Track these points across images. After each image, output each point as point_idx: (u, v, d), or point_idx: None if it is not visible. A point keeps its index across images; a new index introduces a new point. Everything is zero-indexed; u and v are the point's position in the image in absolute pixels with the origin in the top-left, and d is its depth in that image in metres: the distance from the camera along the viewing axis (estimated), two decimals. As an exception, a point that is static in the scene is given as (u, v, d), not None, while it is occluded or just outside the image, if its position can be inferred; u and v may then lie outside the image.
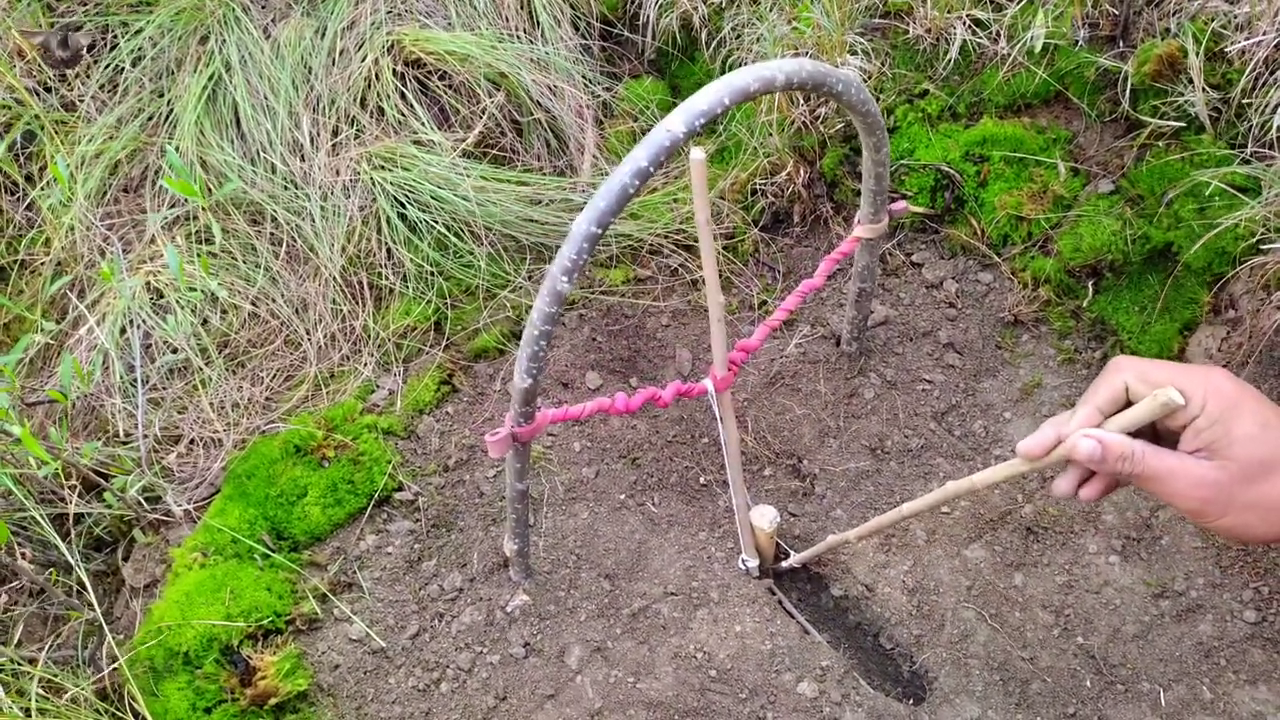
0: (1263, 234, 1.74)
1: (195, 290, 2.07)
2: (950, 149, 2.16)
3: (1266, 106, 1.78)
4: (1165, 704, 1.60)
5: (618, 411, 1.48)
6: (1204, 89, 1.88)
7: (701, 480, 1.94)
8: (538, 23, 2.50)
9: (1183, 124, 1.94)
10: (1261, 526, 0.81)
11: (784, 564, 1.79)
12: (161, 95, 2.40)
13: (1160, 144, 1.97)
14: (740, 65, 2.30)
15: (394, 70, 2.40)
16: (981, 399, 2.00)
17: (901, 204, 1.74)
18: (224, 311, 2.20)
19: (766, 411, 2.01)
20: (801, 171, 2.19)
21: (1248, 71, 1.82)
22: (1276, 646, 1.63)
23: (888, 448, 1.95)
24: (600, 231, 1.18)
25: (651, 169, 1.16)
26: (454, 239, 2.23)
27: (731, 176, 2.22)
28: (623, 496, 1.91)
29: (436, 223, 2.23)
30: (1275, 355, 1.72)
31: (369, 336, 2.20)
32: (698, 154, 1.33)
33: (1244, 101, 1.86)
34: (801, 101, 2.17)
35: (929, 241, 2.22)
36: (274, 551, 1.82)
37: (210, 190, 2.24)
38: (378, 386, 2.13)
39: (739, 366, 1.59)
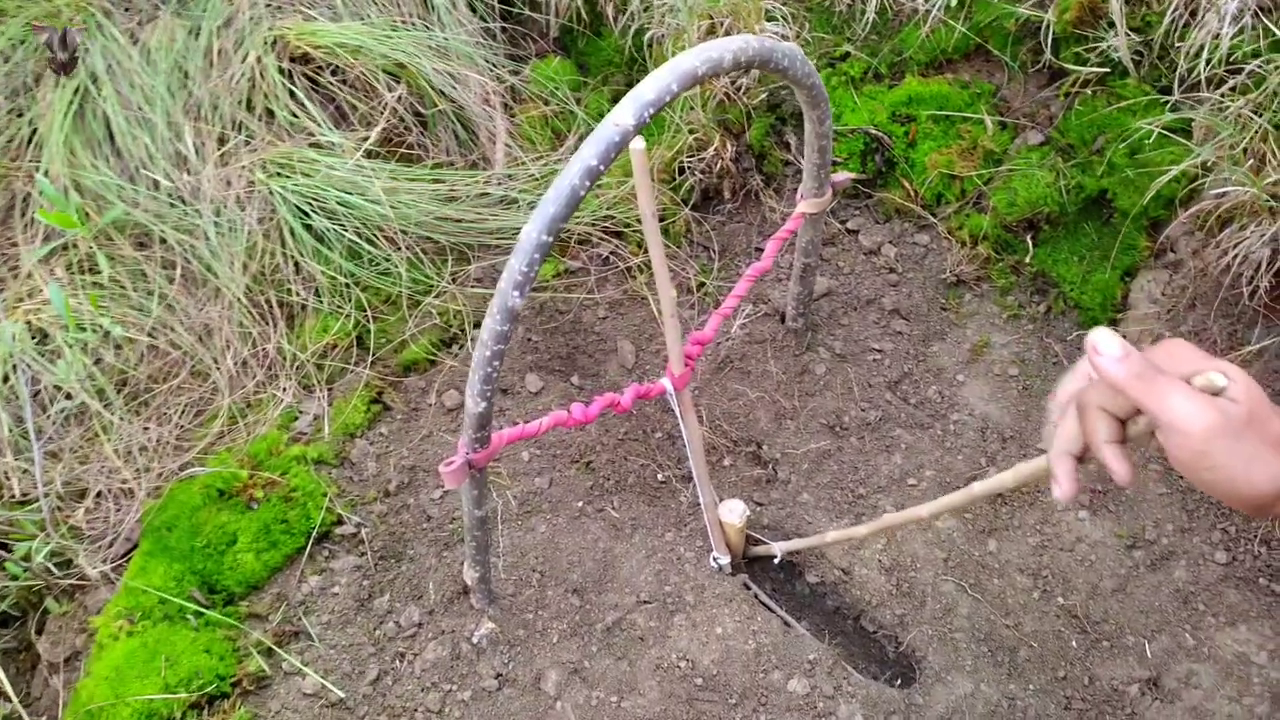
0: (1199, 175, 1.74)
1: (85, 329, 1.87)
2: (876, 111, 2.10)
3: (1190, 49, 1.77)
4: (1151, 655, 1.59)
5: (576, 423, 1.38)
6: (1126, 33, 1.86)
7: (660, 477, 1.85)
8: (432, 7, 2.35)
9: (1107, 69, 1.93)
10: (1262, 472, 0.73)
11: (775, 555, 1.69)
12: (21, 115, 2.16)
13: (1086, 91, 1.95)
14: (653, 39, 2.21)
15: (280, 68, 2.21)
16: (933, 364, 1.97)
17: (844, 176, 1.67)
18: (118, 347, 2.00)
19: (719, 399, 1.93)
20: (729, 146, 2.10)
21: (1169, 13, 1.81)
22: (1249, 585, 1.64)
23: (846, 423, 1.90)
24: (551, 240, 1.08)
25: (602, 168, 1.06)
26: (367, 246, 2.07)
27: (657, 156, 2.12)
28: (580, 504, 1.81)
29: (346, 230, 2.07)
30: (1220, 296, 1.72)
31: (285, 359, 2.03)
32: (638, 144, 1.24)
33: (1165, 43, 1.85)
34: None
35: (862, 207, 2.17)
36: (208, 608, 1.66)
37: (90, 216, 2.03)
38: (300, 413, 1.97)
39: (695, 361, 1.51)
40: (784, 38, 2.09)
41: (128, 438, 1.89)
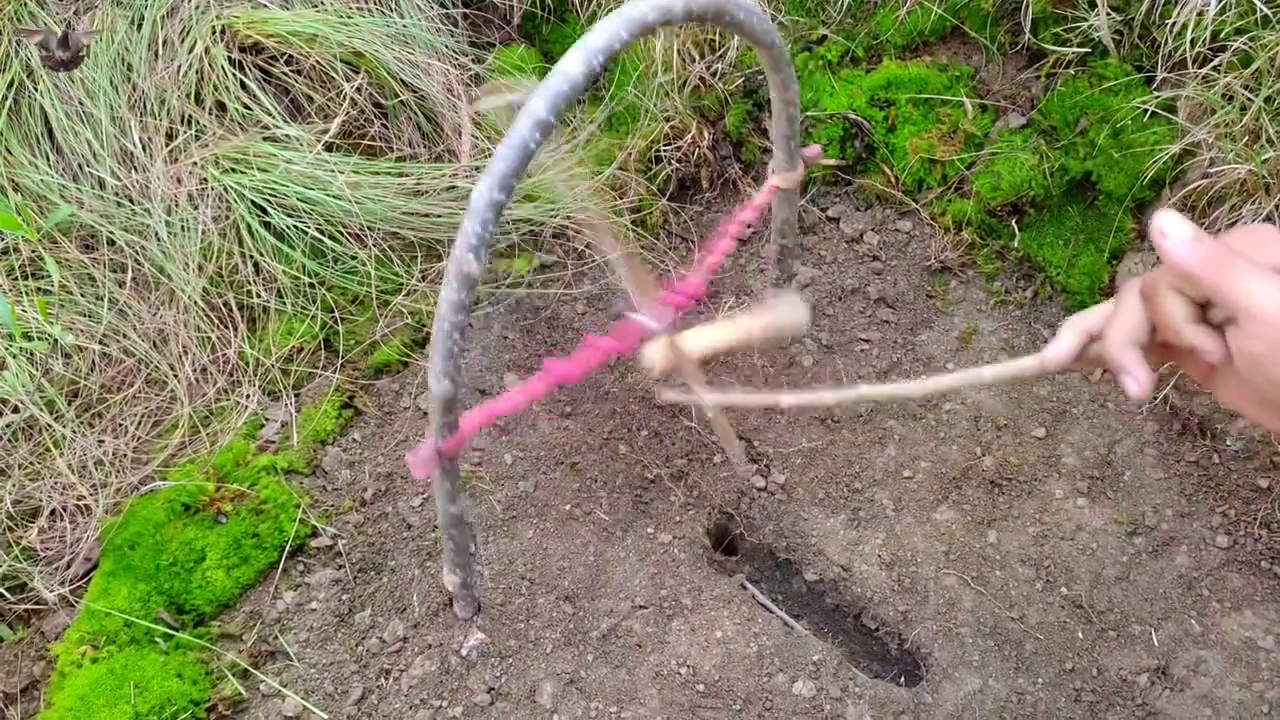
0: (1184, 156, 1.72)
1: (34, 339, 1.75)
2: (855, 96, 2.06)
3: (1174, 27, 1.75)
4: (1158, 643, 1.57)
5: (557, 380, 1.29)
6: (1107, 12, 1.84)
7: (649, 475, 1.79)
8: (390, -7, 2.25)
9: (1087, 50, 1.90)
10: None
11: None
12: (-51, 110, 2.02)
13: (1067, 72, 1.93)
14: (624, 23, 2.14)
15: (229, 59, 2.10)
16: (921, 352, 1.93)
17: (815, 149, 1.61)
18: (67, 356, 1.88)
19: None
20: (705, 133, 2.04)
21: (1151, -9, 1.79)
22: (1252, 569, 1.63)
23: (837, 416, 1.85)
24: (505, 198, 1.02)
25: (553, 119, 1.01)
26: (331, 244, 1.97)
27: (631, 146, 2.05)
28: (568, 507, 1.74)
29: (308, 228, 1.96)
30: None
31: (247, 364, 1.92)
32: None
33: (1147, 22, 1.83)
34: (698, 58, 2.03)
35: (843, 194, 2.12)
36: (177, 629, 1.55)
37: (27, 216, 1.90)
38: (266, 420, 1.87)
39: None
40: (760, 21, 2.03)
41: (81, 452, 1.77)
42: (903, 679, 1.61)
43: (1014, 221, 1.97)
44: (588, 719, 1.50)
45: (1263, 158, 1.52)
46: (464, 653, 1.56)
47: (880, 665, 1.64)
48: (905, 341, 1.94)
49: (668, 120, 2.05)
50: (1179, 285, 0.66)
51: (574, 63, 0.99)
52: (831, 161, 1.67)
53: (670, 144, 2.05)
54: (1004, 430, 1.82)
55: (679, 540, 1.70)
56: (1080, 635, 1.59)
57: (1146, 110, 1.76)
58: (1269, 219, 1.55)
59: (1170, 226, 0.63)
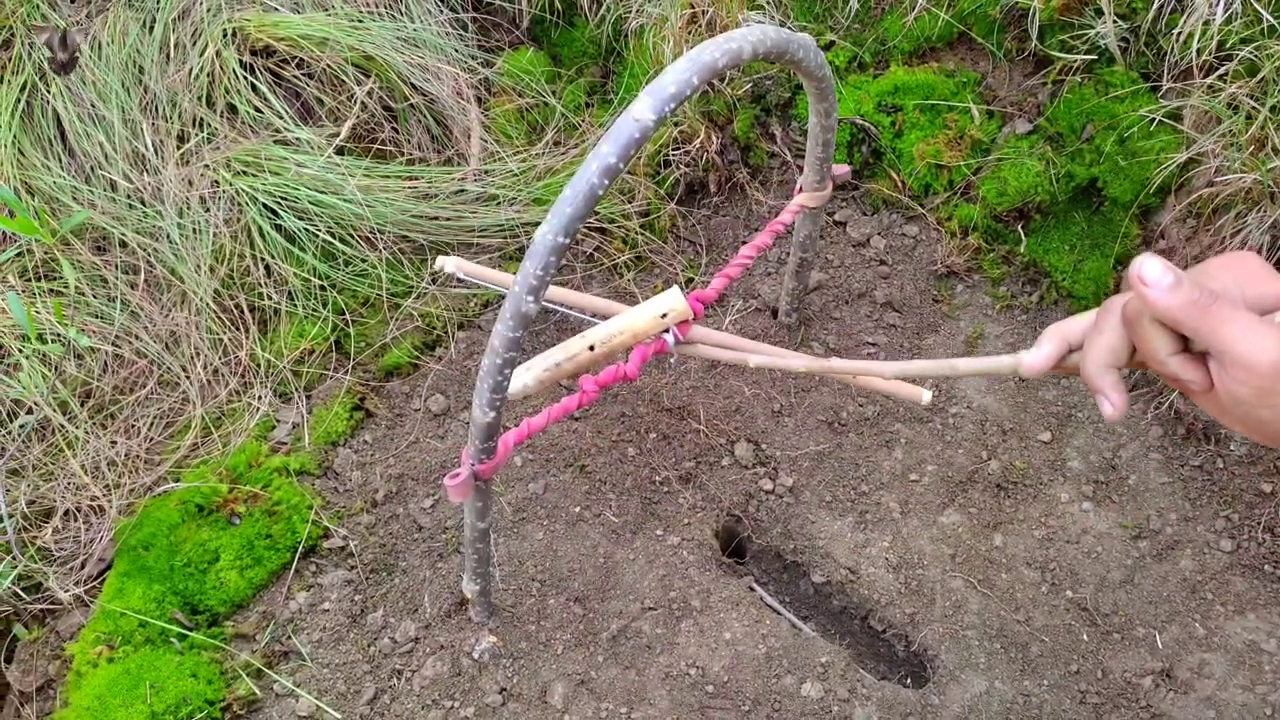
0: (1191, 163, 1.73)
1: (48, 341, 1.76)
2: (863, 101, 2.07)
3: (1179, 35, 1.76)
4: (1162, 646, 1.59)
5: (587, 401, 1.33)
6: (1114, 20, 1.85)
7: (658, 479, 1.80)
8: (400, -3, 2.26)
9: (1094, 57, 1.92)
10: None
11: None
12: (-38, 112, 2.04)
13: (1074, 79, 1.94)
14: (633, 28, 2.15)
15: (240, 62, 2.12)
16: (927, 355, 1.94)
17: (844, 169, 1.63)
18: (80, 357, 1.89)
19: (715, 396, 1.89)
20: (714, 138, 2.06)
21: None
22: (1255, 573, 1.64)
23: (844, 419, 1.87)
24: (567, 241, 1.02)
25: (622, 165, 1.00)
26: (342, 246, 1.99)
27: (640, 150, 2.06)
28: (578, 509, 1.75)
29: (319, 231, 1.98)
30: (1218, 282, 1.72)
31: (259, 366, 1.94)
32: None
33: (1153, 30, 1.85)
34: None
35: (850, 199, 2.14)
36: (191, 629, 1.57)
37: (41, 219, 1.92)
38: (278, 422, 1.88)
39: (699, 317, 1.43)
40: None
41: (95, 453, 1.78)
42: (909, 681, 1.63)
43: (1020, 227, 1.98)
44: (598, 719, 1.51)
45: (1268, 166, 1.54)
46: (475, 654, 1.57)
47: (887, 667, 1.66)
48: (911, 345, 1.96)
49: (676, 125, 2.06)
50: (1162, 322, 0.67)
51: (645, 110, 0.98)
52: (849, 169, 1.68)
53: (679, 148, 2.06)
54: (1009, 434, 1.83)
55: (687, 542, 1.72)
56: (1085, 638, 1.60)
57: (1152, 119, 1.78)
58: (1274, 227, 1.57)
59: (1150, 273, 0.64)
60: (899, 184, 2.08)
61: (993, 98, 2.07)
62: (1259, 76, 1.61)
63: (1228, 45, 1.69)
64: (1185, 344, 0.67)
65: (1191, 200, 1.73)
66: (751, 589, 1.69)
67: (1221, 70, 1.68)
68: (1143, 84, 1.87)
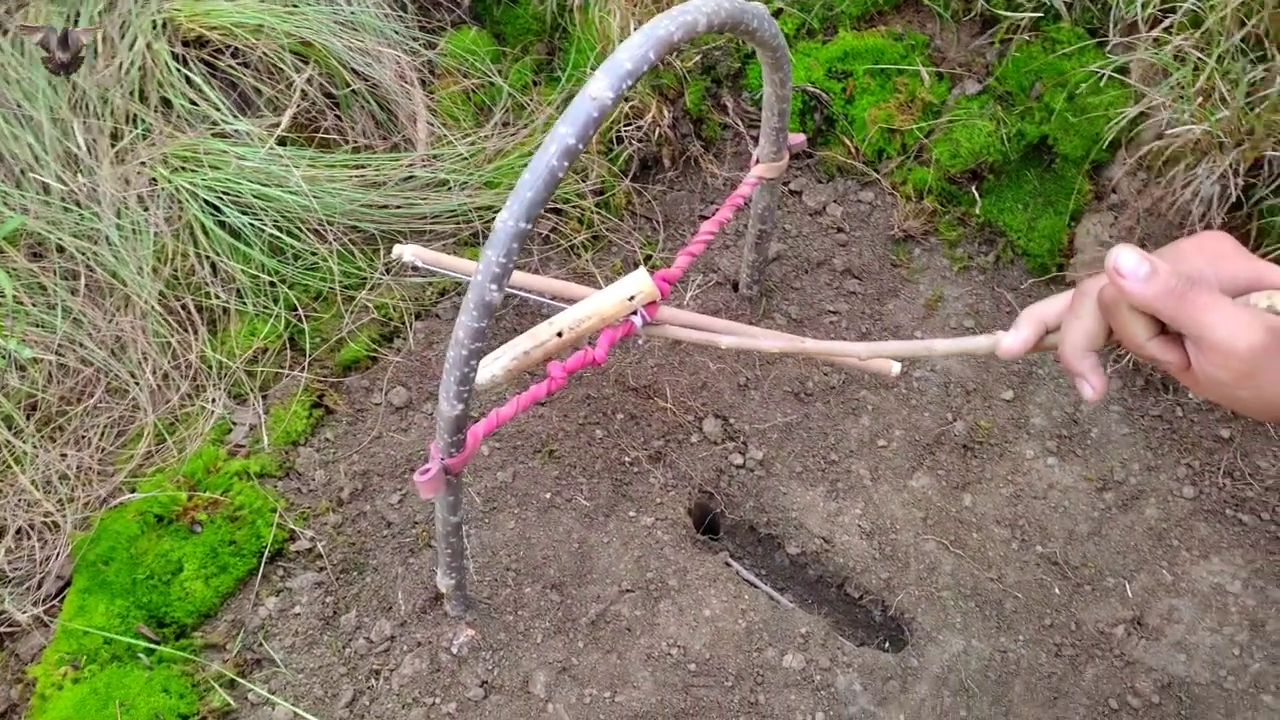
0: (1140, 117, 1.75)
1: (-13, 353, 1.69)
2: (813, 68, 2.06)
3: (1123, -13, 1.77)
4: (1132, 595, 1.61)
5: (556, 388, 1.31)
6: (1058, -24, 1.85)
7: (627, 459, 1.79)
8: (335, -21, 2.19)
9: (1039, 14, 1.92)
10: None
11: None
12: (-122, 118, 1.94)
13: (1021, 37, 1.95)
14: (577, 2, 2.11)
15: (173, 54, 2.04)
16: (889, 321, 1.95)
17: (800, 138, 1.62)
18: (21, 369, 1.82)
19: (680, 373, 1.88)
20: (665, 112, 2.03)
21: (1100, -46, 1.81)
22: (1217, 517, 1.68)
23: (810, 389, 1.87)
24: (529, 227, 0.99)
25: (581, 146, 0.97)
26: (290, 240, 1.93)
27: (590, 127, 2.03)
28: (548, 495, 1.73)
29: (265, 225, 1.92)
30: (1169, 235, 1.74)
31: (210, 367, 1.88)
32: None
33: (1097, -15, 1.85)
34: (653, 36, 2.00)
35: (804, 167, 2.13)
36: (158, 644, 1.53)
37: (-27, 226, 1.84)
38: (234, 424, 1.83)
39: (665, 297, 1.41)
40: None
41: (45, 467, 1.72)
42: (888, 645, 1.64)
43: (974, 188, 1.99)
44: (582, 705, 1.51)
45: (1216, 117, 1.55)
46: (454, 649, 1.55)
47: (866, 633, 1.67)
48: (873, 311, 1.96)
49: (627, 100, 2.03)
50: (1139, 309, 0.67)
51: (603, 88, 0.95)
52: (804, 137, 1.66)
53: (630, 124, 2.03)
54: (973, 394, 1.85)
55: (661, 522, 1.71)
56: (1057, 591, 1.63)
57: (1100, 74, 1.79)
58: (1223, 177, 1.58)
59: (1126, 264, 0.64)
60: (852, 150, 2.07)
61: (941, 59, 2.06)
62: (1203, 28, 1.62)
63: (1171, -2, 1.70)
64: (1162, 327, 0.68)
65: (1142, 154, 1.74)
66: (728, 564, 1.69)
67: (1166, 23, 1.69)
68: (1089, 40, 1.88)
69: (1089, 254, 1.89)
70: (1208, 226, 1.63)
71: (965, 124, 1.95)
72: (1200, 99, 1.59)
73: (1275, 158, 1.55)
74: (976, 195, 1.98)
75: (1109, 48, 1.83)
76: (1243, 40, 1.58)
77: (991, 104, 1.96)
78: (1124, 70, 1.79)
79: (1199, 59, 1.59)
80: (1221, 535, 1.66)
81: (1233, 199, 1.59)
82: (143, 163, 1.96)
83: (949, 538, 1.68)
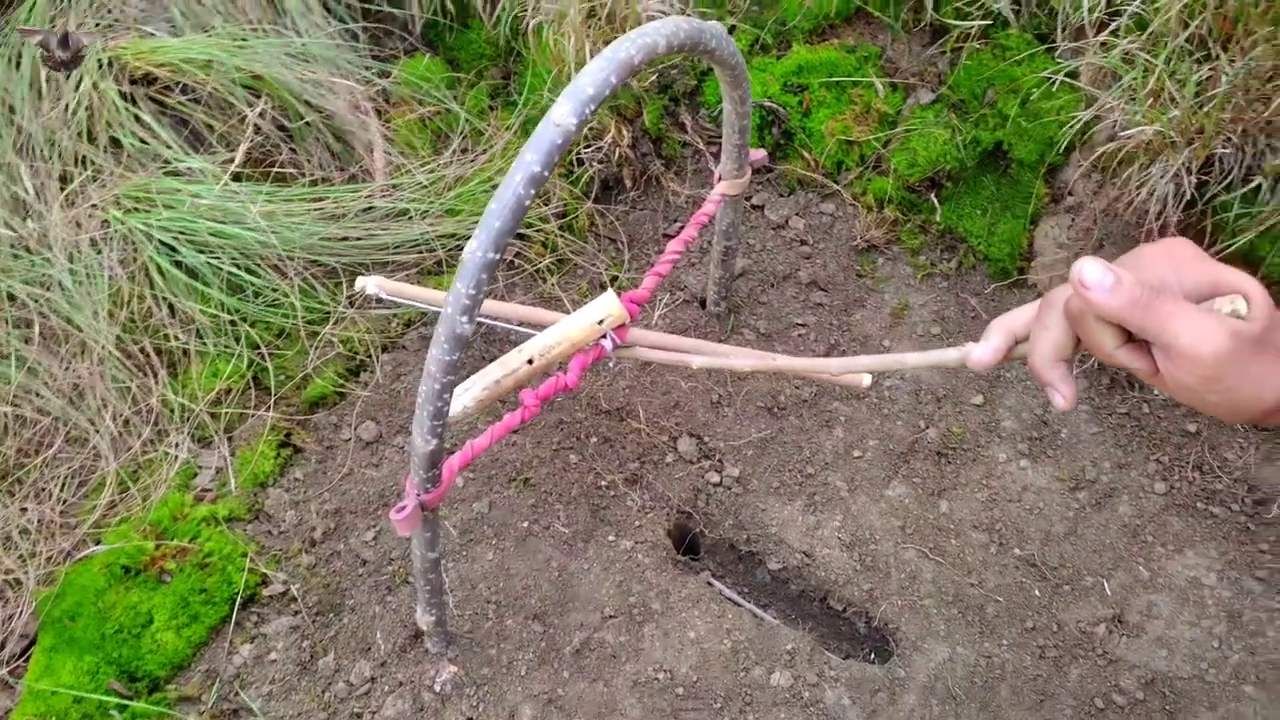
0: (1095, 120, 1.77)
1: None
2: (768, 83, 2.07)
3: (1069, -6, 1.80)
4: (1111, 593, 1.63)
5: (530, 415, 1.30)
6: (1005, -16, 1.88)
7: (604, 483, 1.77)
8: (283, 10, 2.17)
9: (989, 22, 1.95)
10: (1270, 387, 0.66)
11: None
12: None
13: (972, 45, 1.97)
14: (531, 25, 2.11)
15: (121, 93, 2.00)
16: (858, 331, 1.96)
17: (761, 153, 1.62)
18: (-25, 422, 1.77)
19: (653, 394, 1.87)
20: (624, 132, 2.03)
21: (1045, -39, 1.84)
22: (1189, 511, 1.70)
23: (782, 403, 1.86)
24: (497, 257, 0.98)
25: (546, 173, 0.97)
26: (249, 277, 1.90)
27: (549, 150, 2.02)
28: (526, 524, 1.71)
29: (223, 263, 1.89)
30: (1128, 235, 1.77)
31: (172, 411, 1.84)
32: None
33: (1043, -9, 1.88)
34: (609, 57, 2.00)
35: (764, 181, 2.13)
36: (131, 698, 1.49)
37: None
38: (200, 468, 1.79)
39: (634, 319, 1.40)
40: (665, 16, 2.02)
41: (4, 522, 1.67)
42: (874, 656, 1.64)
43: (933, 195, 2.01)
44: (570, 736, 1.49)
45: (1167, 116, 1.58)
46: (437, 687, 1.53)
47: (851, 645, 1.67)
48: (840, 323, 1.97)
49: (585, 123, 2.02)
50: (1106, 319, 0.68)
51: (566, 113, 0.95)
52: (765, 153, 1.67)
53: (590, 145, 2.03)
54: (944, 401, 1.86)
55: (641, 545, 1.69)
56: (1037, 593, 1.64)
57: (1052, 79, 1.81)
58: (1176, 176, 1.61)
59: (1090, 276, 0.65)
60: (812, 163, 2.08)
61: (895, 70, 2.08)
62: (1148, 31, 1.65)
63: (1116, 2, 1.73)
64: (1129, 335, 0.69)
65: (1096, 156, 1.77)
66: (710, 584, 1.68)
67: (1113, 26, 1.72)
68: (1039, 46, 1.91)
69: (1048, 256, 1.91)
70: (1164, 225, 1.66)
71: (921, 133, 1.97)
72: (1151, 100, 1.62)
73: (1226, 155, 1.57)
74: (936, 203, 2.00)
75: (1058, 53, 1.86)
76: (1187, 41, 1.61)
77: (946, 112, 1.98)
78: (1074, 74, 1.81)
79: (1147, 61, 1.61)
80: (1194, 529, 1.68)
81: (1187, 197, 1.62)
82: (94, 205, 1.92)
83: (928, 545, 1.69)
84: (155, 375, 1.87)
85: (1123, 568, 1.65)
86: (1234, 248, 1.64)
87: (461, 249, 2.02)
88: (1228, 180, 1.61)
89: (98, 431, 1.80)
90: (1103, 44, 1.74)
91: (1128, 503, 1.71)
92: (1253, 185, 1.59)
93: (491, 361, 1.37)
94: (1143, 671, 1.55)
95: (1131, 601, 1.61)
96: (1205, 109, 1.57)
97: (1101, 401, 1.83)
